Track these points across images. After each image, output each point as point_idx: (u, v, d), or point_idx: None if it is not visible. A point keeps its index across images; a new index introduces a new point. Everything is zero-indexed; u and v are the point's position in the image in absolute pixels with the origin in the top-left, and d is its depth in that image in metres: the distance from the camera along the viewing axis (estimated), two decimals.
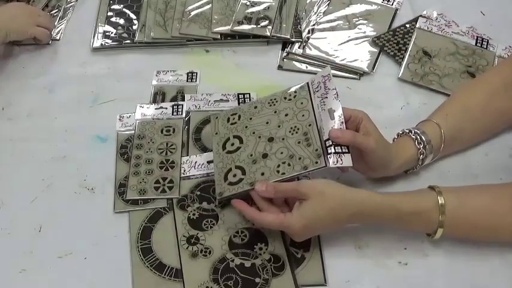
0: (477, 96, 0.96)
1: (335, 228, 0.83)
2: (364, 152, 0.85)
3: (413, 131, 0.90)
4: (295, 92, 0.91)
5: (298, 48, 1.15)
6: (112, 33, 1.17)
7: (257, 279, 0.81)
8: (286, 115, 0.89)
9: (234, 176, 0.85)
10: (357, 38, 1.17)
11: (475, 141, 0.98)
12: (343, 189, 0.80)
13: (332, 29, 1.19)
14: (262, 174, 0.83)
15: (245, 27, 1.16)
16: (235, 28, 1.15)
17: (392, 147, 0.90)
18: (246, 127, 0.90)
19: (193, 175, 0.93)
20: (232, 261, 0.83)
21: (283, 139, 0.86)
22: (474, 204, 0.82)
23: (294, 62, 1.14)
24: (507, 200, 0.82)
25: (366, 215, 0.80)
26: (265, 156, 0.85)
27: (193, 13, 1.18)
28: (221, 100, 1.04)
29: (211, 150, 0.96)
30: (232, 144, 0.89)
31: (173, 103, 1.03)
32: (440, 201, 0.80)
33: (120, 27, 1.18)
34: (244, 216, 0.85)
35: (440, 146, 0.91)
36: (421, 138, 0.89)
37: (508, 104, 0.95)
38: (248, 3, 1.19)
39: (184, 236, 0.86)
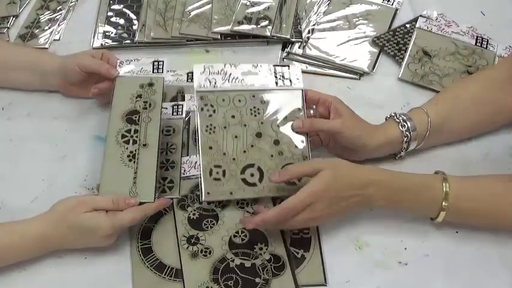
0: (470, 88, 0.98)
1: (350, 194, 0.82)
2: (333, 135, 0.90)
3: (398, 114, 0.93)
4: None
5: (298, 48, 1.15)
6: (112, 33, 1.17)
7: (257, 279, 0.81)
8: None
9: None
10: (357, 38, 1.17)
11: (468, 132, 0.99)
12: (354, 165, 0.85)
13: (332, 29, 1.19)
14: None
15: (245, 27, 1.15)
16: (235, 28, 1.15)
17: (371, 127, 0.92)
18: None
19: (194, 175, 0.93)
20: (233, 261, 0.83)
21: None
22: (476, 185, 0.86)
23: (294, 62, 1.14)
24: (507, 180, 0.85)
25: (376, 183, 0.82)
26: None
27: (193, 13, 1.18)
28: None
29: None
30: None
31: (173, 103, 1.03)
32: (445, 189, 0.83)
33: (120, 27, 1.18)
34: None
35: (426, 131, 0.93)
36: (404, 120, 0.92)
37: (503, 98, 0.95)
38: (248, 3, 1.19)
39: (184, 236, 0.86)
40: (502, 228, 0.87)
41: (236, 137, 0.88)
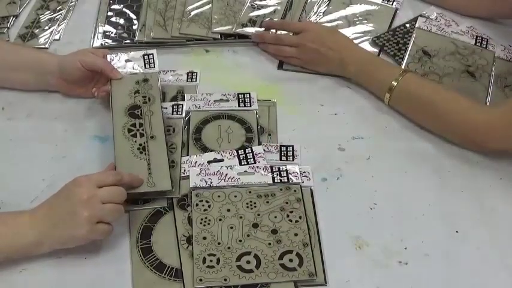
0: None
1: (330, 45, 1.06)
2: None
3: None
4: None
5: None
6: (112, 33, 1.17)
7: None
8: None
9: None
10: (356, 38, 1.17)
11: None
12: None
13: None
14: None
15: (249, 29, 1.15)
16: (238, 31, 1.15)
17: None
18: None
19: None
20: None
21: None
22: (429, 82, 1.04)
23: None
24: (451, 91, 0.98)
25: (351, 48, 1.07)
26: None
27: (193, 13, 1.19)
28: (221, 100, 1.04)
29: (212, 150, 0.96)
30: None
31: (173, 103, 1.03)
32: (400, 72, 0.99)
33: (120, 27, 1.19)
34: None
35: None
36: None
37: None
38: (254, 6, 1.19)
39: (184, 235, 0.86)
40: (438, 125, 0.97)
41: (232, 227, 0.86)
